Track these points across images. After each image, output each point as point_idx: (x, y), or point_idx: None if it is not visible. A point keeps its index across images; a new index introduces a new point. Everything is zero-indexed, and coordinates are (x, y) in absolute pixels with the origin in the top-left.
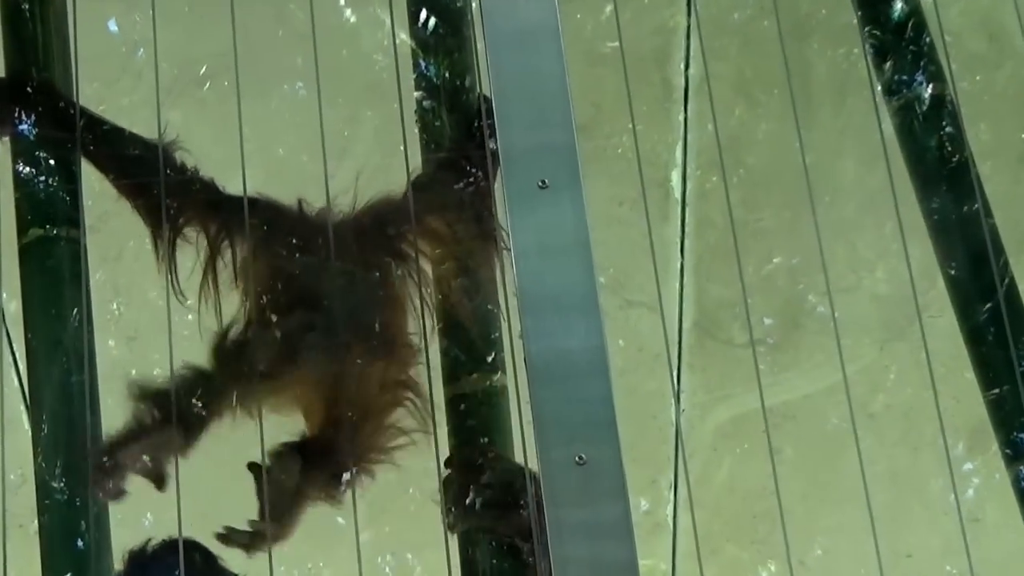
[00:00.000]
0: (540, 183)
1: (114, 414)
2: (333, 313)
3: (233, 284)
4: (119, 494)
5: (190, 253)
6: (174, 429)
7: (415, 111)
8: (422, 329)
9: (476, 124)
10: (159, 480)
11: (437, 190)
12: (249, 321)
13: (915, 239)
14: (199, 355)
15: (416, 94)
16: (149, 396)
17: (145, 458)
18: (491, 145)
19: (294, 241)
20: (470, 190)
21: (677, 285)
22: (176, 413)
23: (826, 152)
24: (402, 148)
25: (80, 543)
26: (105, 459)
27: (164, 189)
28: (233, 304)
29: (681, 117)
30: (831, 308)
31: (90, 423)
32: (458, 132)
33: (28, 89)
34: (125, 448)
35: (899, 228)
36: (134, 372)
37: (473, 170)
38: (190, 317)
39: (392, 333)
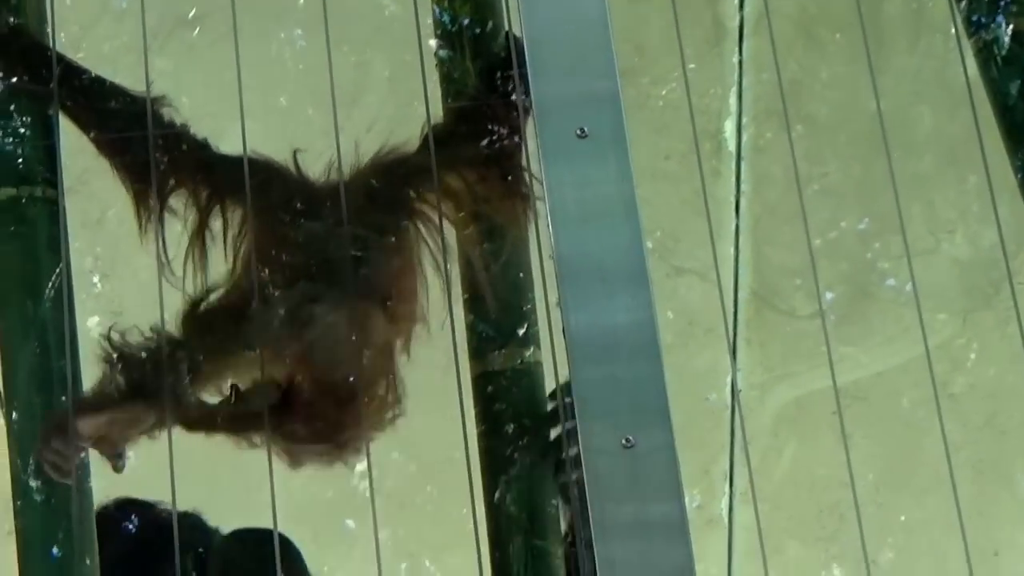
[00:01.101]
0: (579, 132)
1: None
2: (340, 283)
3: (225, 256)
4: (67, 473)
5: (178, 221)
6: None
7: (434, 55)
8: (447, 299)
9: (500, 74)
10: (115, 459)
11: (458, 144)
12: (232, 289)
13: (1001, 196)
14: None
15: (432, 41)
16: (121, 359)
17: (106, 433)
18: (521, 94)
19: (296, 205)
20: (496, 143)
21: (732, 250)
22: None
23: (900, 98)
24: (419, 97)
25: (60, 548)
26: (57, 430)
27: (153, 147)
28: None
29: (735, 60)
30: (911, 274)
31: (72, 413)
32: (482, 79)
33: None
34: (84, 418)
35: (987, 183)
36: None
37: (498, 122)
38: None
39: (403, 305)
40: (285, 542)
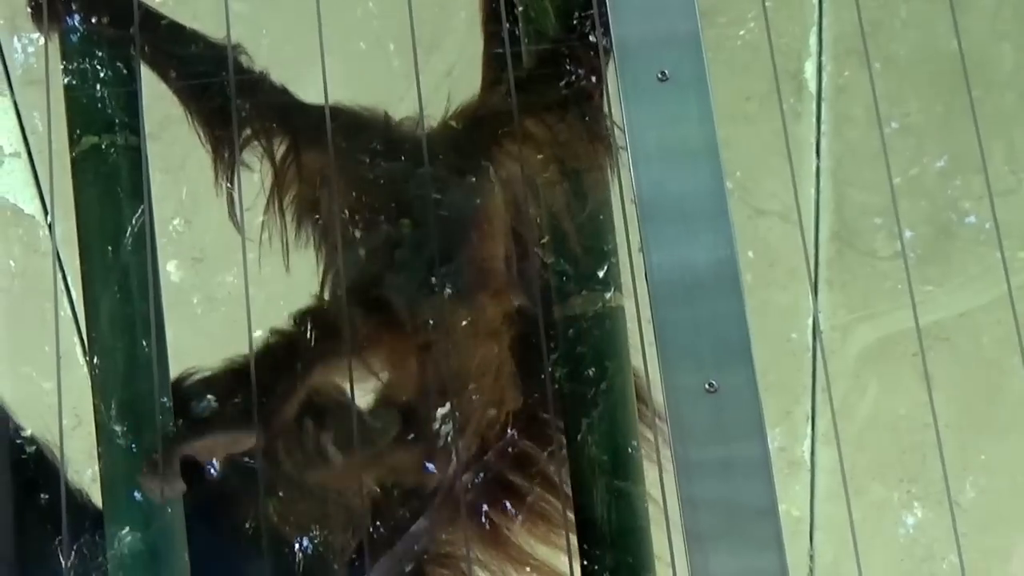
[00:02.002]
0: (660, 75)
1: (179, 346)
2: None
3: (303, 207)
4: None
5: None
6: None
7: None
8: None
9: (578, 15)
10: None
11: (537, 88)
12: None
13: None
14: (271, 278)
15: None
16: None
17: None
18: (601, 36)
19: (378, 149)
20: (575, 86)
21: (813, 191)
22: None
23: (980, 36)
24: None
25: (143, 491)
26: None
27: (234, 94)
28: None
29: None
30: (992, 213)
31: (155, 356)
32: (561, 22)
33: None
34: (194, 444)
35: None
36: (197, 299)
37: (578, 64)
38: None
39: (487, 263)
40: None
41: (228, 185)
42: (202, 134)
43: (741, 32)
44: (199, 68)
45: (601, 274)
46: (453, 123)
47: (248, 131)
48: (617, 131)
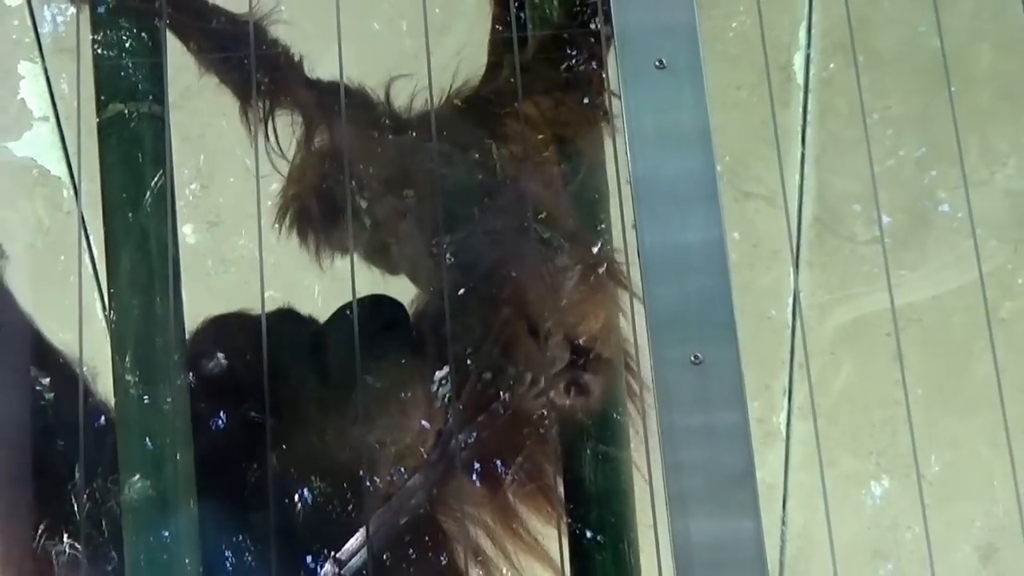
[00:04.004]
0: (657, 63)
1: (193, 304)
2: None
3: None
4: None
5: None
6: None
7: None
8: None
9: (580, 4)
10: None
11: (541, 70)
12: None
13: None
14: (283, 244)
15: None
16: None
17: None
18: (602, 23)
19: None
20: (576, 70)
21: (797, 177)
22: None
23: (960, 36)
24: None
25: (157, 440)
26: None
27: (254, 66)
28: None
29: None
30: (967, 203)
31: (172, 313)
32: (565, 9)
33: None
34: None
35: None
36: (211, 261)
37: (579, 49)
38: (268, 203)
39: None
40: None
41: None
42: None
43: (734, 25)
44: (223, 40)
45: (595, 250)
46: (457, 101)
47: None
48: (615, 114)
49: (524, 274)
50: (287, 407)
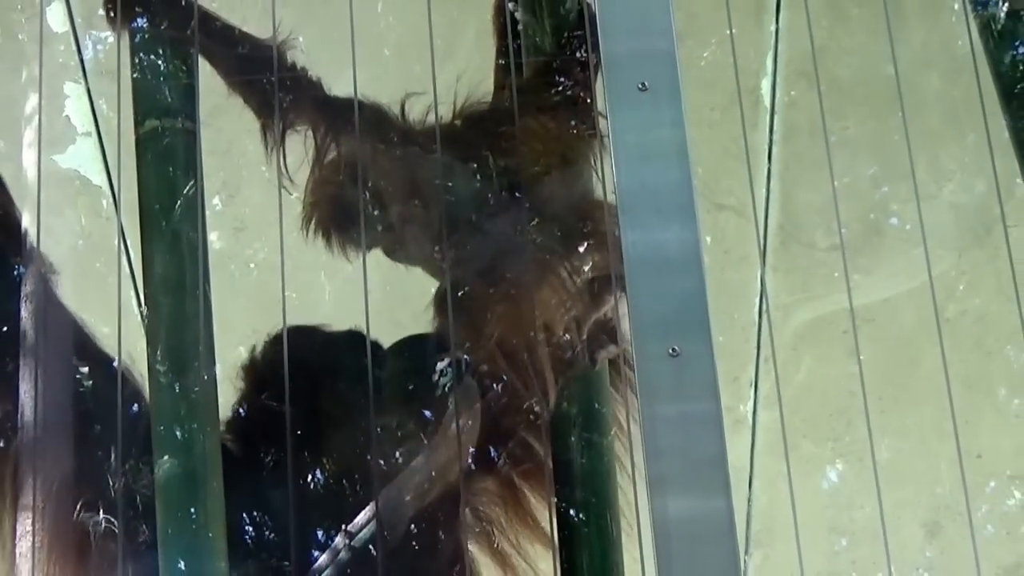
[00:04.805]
0: (640, 85)
1: (219, 303)
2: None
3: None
4: None
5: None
6: None
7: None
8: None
9: (568, 34)
10: None
11: (535, 92)
12: None
13: (995, 152)
14: (305, 247)
15: (511, 5)
16: None
17: None
18: (590, 51)
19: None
20: (567, 93)
21: (764, 190)
22: None
23: (911, 64)
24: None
25: (186, 425)
26: None
27: (277, 87)
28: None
29: (772, 28)
30: (917, 214)
31: (202, 311)
32: (555, 40)
33: None
34: None
35: (986, 140)
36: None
37: (568, 76)
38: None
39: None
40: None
41: (280, 155)
42: (256, 113)
43: (707, 53)
44: (250, 63)
45: (581, 250)
46: (458, 121)
47: (293, 116)
48: (601, 132)
49: (519, 274)
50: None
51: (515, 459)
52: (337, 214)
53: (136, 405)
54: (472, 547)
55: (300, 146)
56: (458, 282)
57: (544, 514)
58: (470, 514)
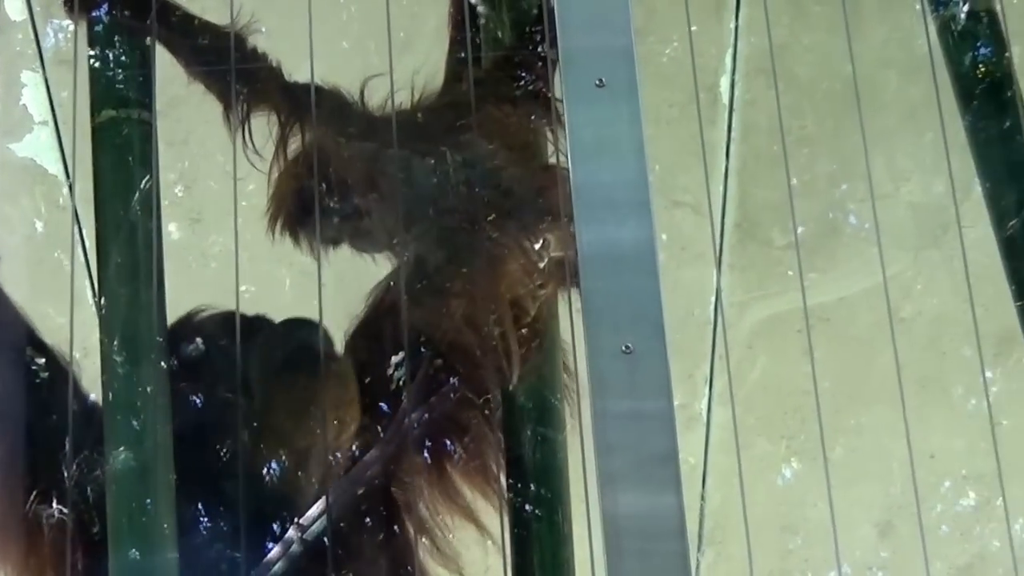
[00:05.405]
0: (598, 82)
1: (175, 294)
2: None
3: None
4: None
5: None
6: None
7: (476, 9)
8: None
9: (529, 28)
10: None
11: (493, 84)
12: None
13: (952, 151)
14: (260, 236)
15: None
16: None
17: None
18: (548, 46)
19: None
20: (524, 88)
21: (721, 187)
22: None
23: (870, 63)
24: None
25: (139, 415)
26: None
27: (234, 78)
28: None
29: (732, 25)
30: (873, 214)
31: (155, 301)
32: (515, 33)
33: None
34: None
35: (942, 140)
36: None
37: (527, 71)
38: (243, 203)
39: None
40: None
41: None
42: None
43: (667, 50)
44: (209, 52)
45: (537, 247)
46: (418, 113)
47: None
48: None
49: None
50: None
51: (462, 453)
52: (301, 209)
53: (89, 396)
54: (415, 543)
55: (264, 132)
56: (421, 262)
57: (486, 507)
58: (410, 507)
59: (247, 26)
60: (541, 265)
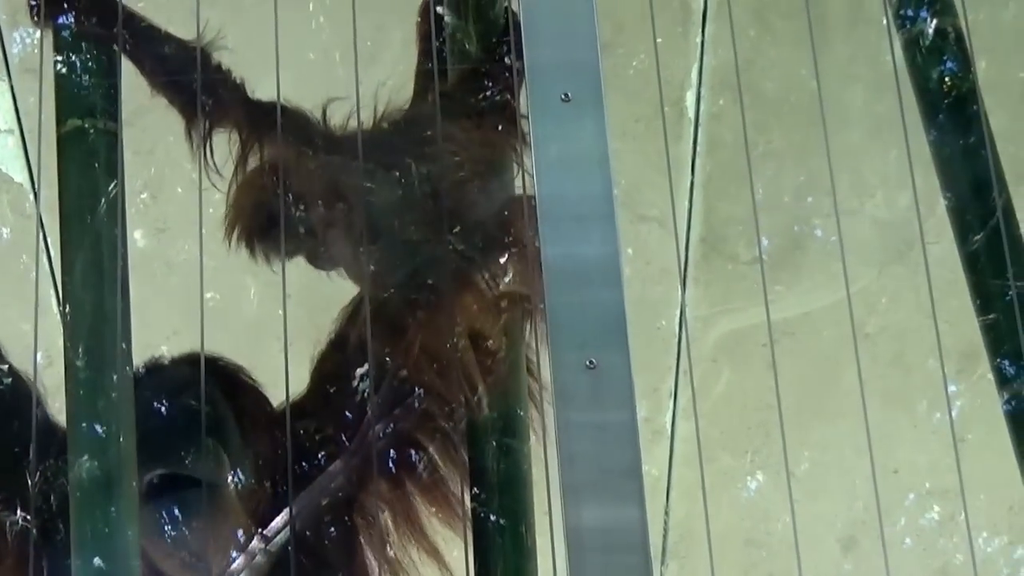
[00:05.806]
0: (563, 96)
1: (140, 302)
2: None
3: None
4: None
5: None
6: None
7: (443, 20)
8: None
9: (496, 40)
10: None
11: (459, 99)
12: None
13: (917, 168)
14: (224, 250)
15: (440, 8)
16: None
17: None
18: (515, 59)
19: (319, 144)
20: (491, 101)
21: (687, 202)
22: None
23: (836, 79)
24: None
25: (103, 423)
26: None
27: (200, 89)
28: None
29: (698, 40)
30: (838, 230)
31: (120, 309)
32: (482, 45)
33: None
34: None
35: (907, 155)
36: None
37: (494, 83)
38: (211, 211)
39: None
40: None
41: (204, 155)
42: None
43: (634, 64)
44: (173, 65)
45: (502, 261)
46: (384, 124)
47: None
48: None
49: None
50: None
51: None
52: (259, 221)
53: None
54: (372, 557)
55: (226, 145)
56: (380, 288)
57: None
58: (369, 523)
59: (212, 42)
60: (502, 286)
